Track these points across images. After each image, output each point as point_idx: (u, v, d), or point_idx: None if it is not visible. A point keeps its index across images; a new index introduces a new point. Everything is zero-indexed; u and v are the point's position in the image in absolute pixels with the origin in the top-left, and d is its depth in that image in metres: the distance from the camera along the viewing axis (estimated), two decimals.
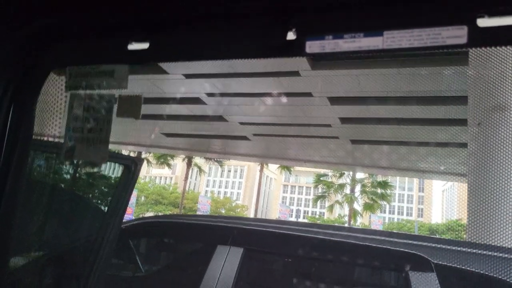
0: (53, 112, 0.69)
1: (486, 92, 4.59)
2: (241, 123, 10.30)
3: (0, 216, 0.64)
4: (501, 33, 0.43)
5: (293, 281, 2.37)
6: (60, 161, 1.60)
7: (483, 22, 0.42)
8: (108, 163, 1.90)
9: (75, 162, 1.77)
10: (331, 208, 33.08)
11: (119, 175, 1.97)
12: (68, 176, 1.89)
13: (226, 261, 2.26)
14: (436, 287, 1.88)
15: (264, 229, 2.41)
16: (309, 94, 7.73)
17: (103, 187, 2.18)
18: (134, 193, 25.09)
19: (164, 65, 7.30)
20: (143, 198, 38.25)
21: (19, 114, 0.67)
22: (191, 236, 2.76)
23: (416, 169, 12.59)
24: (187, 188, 39.98)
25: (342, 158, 13.10)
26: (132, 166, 1.93)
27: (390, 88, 7.06)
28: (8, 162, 0.67)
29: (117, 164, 1.96)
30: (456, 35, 0.42)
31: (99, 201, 2.26)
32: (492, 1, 0.42)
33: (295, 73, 6.91)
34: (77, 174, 1.95)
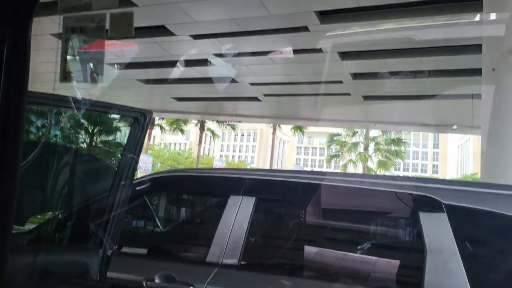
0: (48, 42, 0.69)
1: (500, 36, 4.43)
2: (251, 84, 10.21)
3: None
4: None
5: (304, 227, 2.42)
6: (67, 115, 1.61)
7: None
8: (117, 116, 1.91)
9: (81, 115, 1.79)
10: (345, 167, 33.15)
11: (128, 128, 1.99)
12: (76, 131, 1.92)
13: (239, 211, 2.30)
14: (447, 227, 1.89)
15: (275, 178, 2.43)
16: (319, 50, 7.56)
17: (112, 140, 2.21)
18: (150, 159, 25.23)
19: (171, 27, 7.20)
20: (159, 164, 38.85)
21: (13, 55, 0.67)
22: (204, 189, 2.81)
23: (430, 123, 12.45)
24: (201, 153, 40.41)
25: (355, 115, 12.99)
26: (141, 119, 1.95)
27: (402, 39, 6.86)
28: (7, 111, 0.67)
29: (125, 117, 1.97)
30: None
31: (110, 155, 2.29)
32: None
33: (304, 28, 6.73)
34: (86, 128, 1.97)
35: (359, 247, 2.25)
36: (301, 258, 2.31)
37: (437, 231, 1.91)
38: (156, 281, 2.19)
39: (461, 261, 1.81)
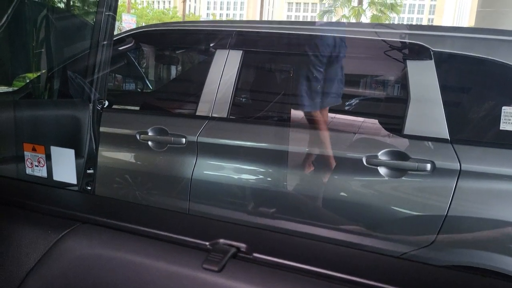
0: None
1: None
2: None
3: None
4: None
5: (292, 77, 2.42)
6: None
7: None
8: None
9: None
10: None
11: None
12: None
13: (226, 64, 2.27)
14: (432, 75, 1.89)
15: (262, 30, 2.34)
16: None
17: None
18: (133, 18, 24.21)
19: None
20: (143, 24, 37.07)
21: None
22: (189, 43, 2.72)
23: None
24: (187, 12, 38.31)
25: None
26: None
27: None
28: None
29: None
30: None
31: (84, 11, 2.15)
32: None
33: None
34: None
35: (348, 100, 2.29)
36: (289, 111, 2.36)
37: (422, 79, 1.91)
38: (149, 134, 2.27)
39: (443, 109, 1.84)
